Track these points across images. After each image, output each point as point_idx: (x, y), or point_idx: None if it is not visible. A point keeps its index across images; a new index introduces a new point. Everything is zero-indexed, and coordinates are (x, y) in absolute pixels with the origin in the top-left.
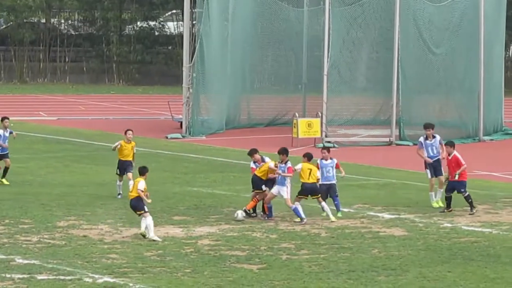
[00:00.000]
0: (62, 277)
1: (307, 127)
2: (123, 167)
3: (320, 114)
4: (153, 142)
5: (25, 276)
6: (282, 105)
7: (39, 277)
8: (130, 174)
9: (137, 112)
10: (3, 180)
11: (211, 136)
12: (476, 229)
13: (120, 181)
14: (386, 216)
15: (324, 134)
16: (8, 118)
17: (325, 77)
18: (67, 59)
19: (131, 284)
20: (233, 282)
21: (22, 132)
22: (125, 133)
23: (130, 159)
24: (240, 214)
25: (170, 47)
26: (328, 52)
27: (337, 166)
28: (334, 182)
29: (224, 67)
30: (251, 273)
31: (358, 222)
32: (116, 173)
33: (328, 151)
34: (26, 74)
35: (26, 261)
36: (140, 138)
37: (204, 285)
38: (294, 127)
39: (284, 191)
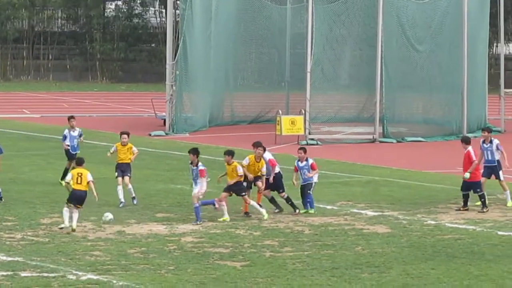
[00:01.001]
0: (45, 274)
1: (291, 124)
2: (121, 170)
3: (303, 112)
4: (136, 140)
5: (9, 273)
6: (265, 102)
7: (23, 274)
8: (127, 179)
9: (121, 109)
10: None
11: (195, 134)
12: (460, 226)
13: (120, 184)
14: (370, 213)
15: (307, 131)
16: (73, 118)
17: (308, 75)
18: (50, 57)
19: (114, 281)
20: (216, 279)
21: (5, 130)
22: (120, 136)
23: (128, 161)
24: (109, 216)
25: (153, 45)
26: (311, 49)
27: (312, 167)
28: (311, 181)
29: (207, 65)
30: (234, 270)
31: (342, 219)
32: (116, 177)
33: (305, 152)
34: (10, 71)
35: (9, 258)
36: None
37: (188, 282)
38: (278, 124)
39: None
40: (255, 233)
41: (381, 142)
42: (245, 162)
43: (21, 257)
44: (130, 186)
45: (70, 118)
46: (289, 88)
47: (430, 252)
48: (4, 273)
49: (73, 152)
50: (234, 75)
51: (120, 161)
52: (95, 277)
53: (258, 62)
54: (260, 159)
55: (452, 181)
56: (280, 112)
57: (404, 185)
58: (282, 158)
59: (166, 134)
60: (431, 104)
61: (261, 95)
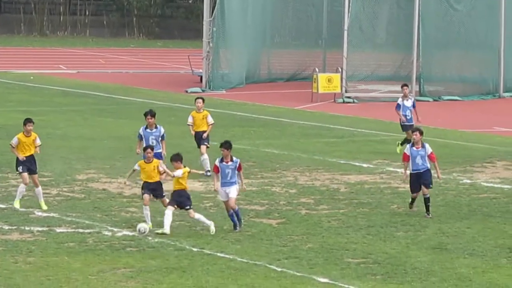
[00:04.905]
0: (81, 230)
1: (327, 82)
2: (197, 139)
3: (340, 70)
4: (173, 96)
5: (44, 228)
6: (302, 60)
7: (58, 229)
8: (203, 148)
9: (157, 66)
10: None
11: (231, 91)
12: (496, 185)
13: (203, 154)
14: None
15: (344, 89)
16: (407, 85)
17: (345, 32)
18: (87, 13)
19: (150, 238)
20: (252, 236)
21: (42, 85)
22: (195, 101)
23: (204, 129)
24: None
25: (190, 1)
26: (349, 7)
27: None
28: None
29: (245, 22)
30: (270, 227)
31: (378, 177)
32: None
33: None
34: (46, 27)
35: (45, 214)
36: (159, 92)
37: (223, 239)
38: (314, 82)
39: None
40: (290, 191)
41: (417, 100)
42: None
43: (57, 213)
44: (205, 156)
45: (404, 85)
46: (326, 46)
47: (466, 211)
48: (40, 229)
49: (409, 123)
50: (271, 32)
51: (196, 129)
52: (130, 234)
53: (295, 19)
54: None
55: (488, 140)
56: (317, 70)
57: (440, 144)
58: (318, 117)
59: (203, 91)
60: (468, 63)
61: (298, 53)
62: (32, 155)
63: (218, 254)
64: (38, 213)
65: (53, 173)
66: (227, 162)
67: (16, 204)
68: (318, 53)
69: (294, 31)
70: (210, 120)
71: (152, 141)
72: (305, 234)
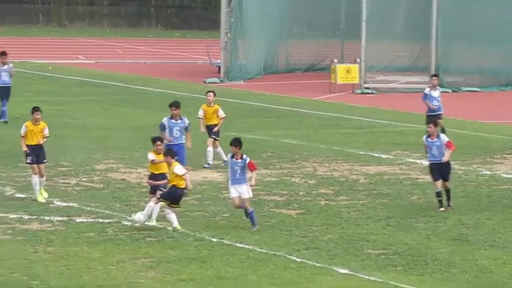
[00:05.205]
0: (100, 220)
1: (346, 73)
2: (208, 131)
3: (358, 60)
4: (191, 87)
5: (64, 218)
6: (320, 50)
7: (78, 219)
8: (210, 140)
9: (175, 56)
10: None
11: (249, 81)
12: None
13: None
14: (425, 162)
15: (362, 80)
16: (437, 75)
17: (363, 23)
18: (105, 3)
19: (169, 228)
20: (271, 227)
21: (60, 75)
22: (206, 94)
23: (215, 122)
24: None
25: None
26: None
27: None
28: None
29: (262, 12)
30: (289, 218)
31: (397, 168)
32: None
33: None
34: (64, 17)
35: (64, 204)
36: (177, 82)
37: (243, 229)
38: (333, 72)
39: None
40: (310, 182)
41: None
42: None
43: (76, 203)
44: (210, 148)
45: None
46: (344, 37)
47: (486, 202)
48: (59, 219)
49: (436, 113)
50: (289, 23)
51: (207, 123)
52: (150, 224)
53: (312, 10)
54: None
55: (507, 132)
56: (335, 60)
57: (460, 135)
58: (336, 107)
59: (221, 81)
60: (487, 54)
61: (316, 43)
62: (40, 145)
63: (238, 244)
64: (58, 203)
65: (72, 163)
66: (236, 159)
67: (40, 198)
68: (335, 44)
69: (311, 22)
70: (221, 114)
71: (176, 132)
72: (324, 225)
